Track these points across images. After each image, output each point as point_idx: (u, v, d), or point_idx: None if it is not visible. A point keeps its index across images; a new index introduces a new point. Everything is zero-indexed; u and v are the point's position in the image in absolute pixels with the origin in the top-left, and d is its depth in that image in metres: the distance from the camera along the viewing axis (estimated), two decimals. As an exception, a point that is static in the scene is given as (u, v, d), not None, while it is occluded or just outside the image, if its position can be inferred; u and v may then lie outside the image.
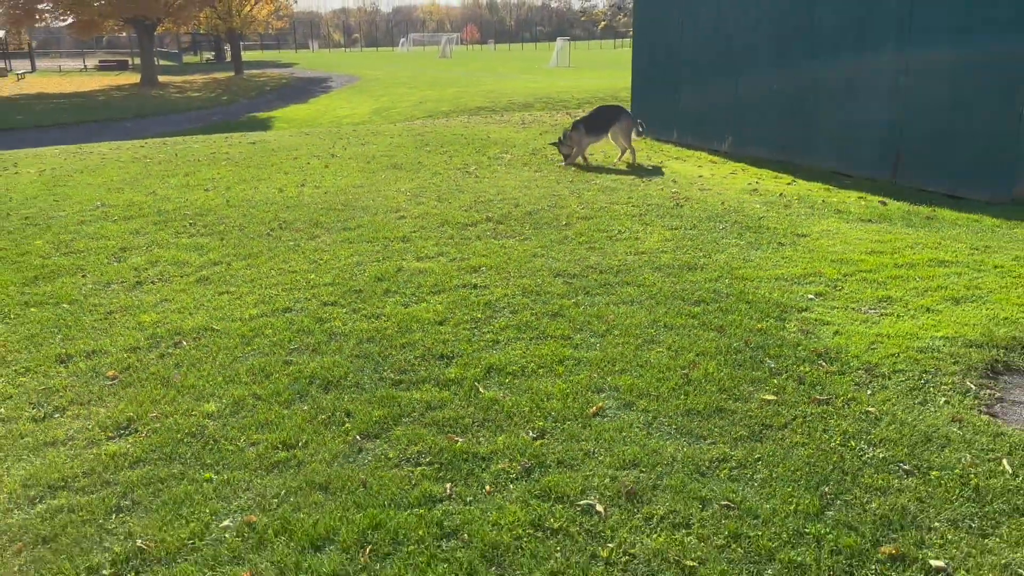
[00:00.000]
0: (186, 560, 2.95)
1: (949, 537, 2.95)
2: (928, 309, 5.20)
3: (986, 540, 2.93)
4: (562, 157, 11.29)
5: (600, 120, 11.57)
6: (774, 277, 5.93)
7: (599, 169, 10.87)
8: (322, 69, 48.40)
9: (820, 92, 10.87)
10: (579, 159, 11.43)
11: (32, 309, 5.76)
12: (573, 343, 4.80)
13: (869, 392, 4.07)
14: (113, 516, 3.25)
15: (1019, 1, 8.36)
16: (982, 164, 8.91)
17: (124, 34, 52.18)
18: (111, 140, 17.22)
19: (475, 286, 5.85)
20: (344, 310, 5.45)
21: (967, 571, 2.77)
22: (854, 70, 10.28)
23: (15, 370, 4.73)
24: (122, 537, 3.11)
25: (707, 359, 4.49)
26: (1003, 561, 2.81)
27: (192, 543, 3.05)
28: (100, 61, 57.79)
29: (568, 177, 10.15)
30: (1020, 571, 2.76)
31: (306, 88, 37.01)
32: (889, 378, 4.22)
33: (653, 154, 12.19)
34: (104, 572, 2.92)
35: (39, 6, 37.11)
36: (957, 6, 8.92)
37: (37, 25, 42.92)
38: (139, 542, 3.06)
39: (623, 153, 11.62)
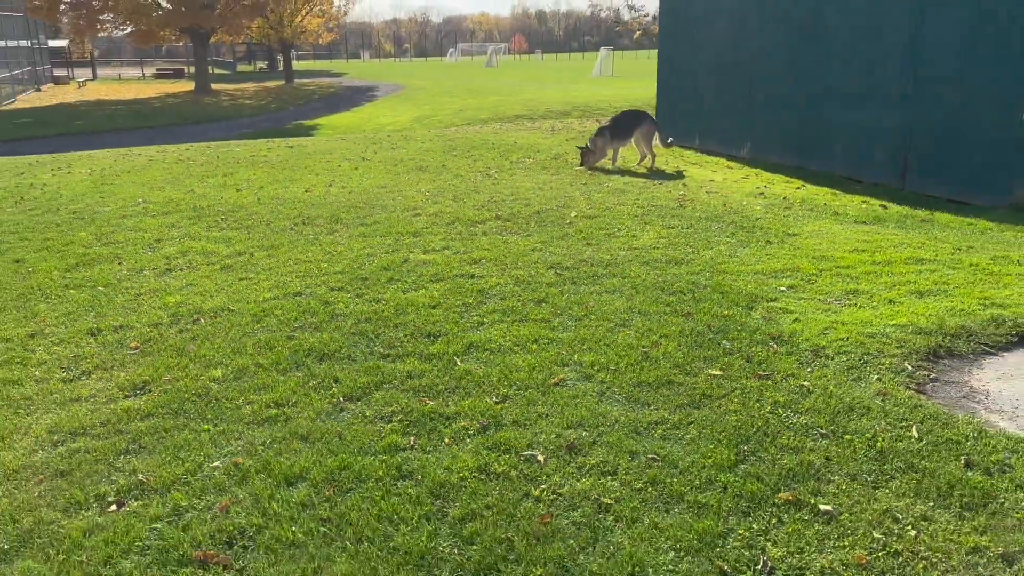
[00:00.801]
0: (178, 491, 3.44)
1: (843, 488, 3.32)
2: (891, 301, 5.53)
3: (876, 491, 3.29)
4: (580, 160, 11.70)
5: (624, 125, 11.99)
6: (753, 271, 6.29)
7: (617, 173, 11.27)
8: (369, 78, 49.44)
9: (833, 100, 11.15)
10: (606, 162, 11.85)
11: (71, 291, 6.35)
12: (551, 326, 5.22)
13: (809, 370, 4.43)
14: (121, 457, 3.76)
15: (1020, 16, 8.59)
16: (983, 170, 9.15)
17: (181, 43, 53.73)
18: (161, 144, 18.03)
19: (472, 276, 6.31)
20: (348, 295, 5.94)
21: (850, 514, 3.14)
22: (865, 79, 10.55)
23: (51, 341, 5.30)
24: (127, 473, 3.61)
25: (669, 340, 4.88)
26: (885, 507, 3.17)
27: (185, 478, 3.54)
28: (157, 69, 59.63)
29: (583, 180, 10.57)
30: (898, 515, 3.12)
31: (352, 97, 37.91)
32: (832, 358, 4.57)
33: (673, 160, 12.55)
34: (109, 499, 3.42)
35: (101, 16, 38.54)
36: (963, 19, 9.17)
37: (99, 35, 44.55)
38: (140, 476, 3.56)
39: (643, 158, 12.00)
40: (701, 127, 14.01)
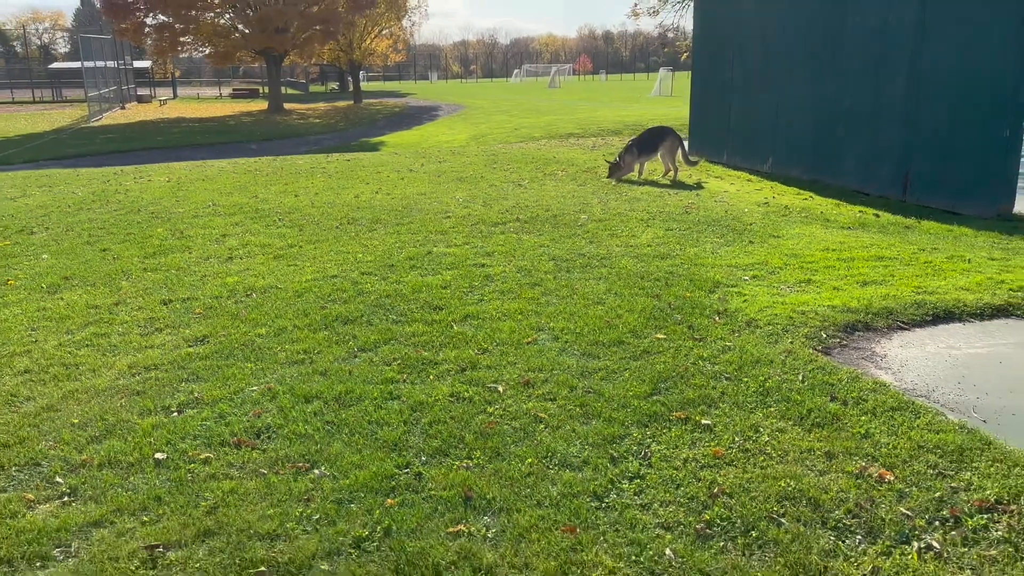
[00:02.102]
0: (223, 403, 4.55)
1: (726, 411, 4.26)
2: (836, 288, 6.41)
3: (751, 414, 4.23)
4: (609, 173, 12.70)
5: (650, 141, 12.99)
6: (726, 265, 7.22)
7: (640, 184, 12.22)
8: (433, 98, 51.09)
9: (846, 119, 11.95)
10: (633, 176, 12.85)
11: (148, 273, 7.59)
12: (538, 303, 6.24)
13: (737, 335, 5.37)
14: (182, 383, 4.89)
15: (1007, 34, 9.34)
16: (972, 184, 9.88)
17: (257, 65, 56.22)
18: (233, 158, 19.54)
19: (483, 265, 7.36)
20: (375, 278, 7.04)
21: (724, 427, 4.09)
22: (873, 99, 11.35)
23: (131, 307, 6.51)
24: (186, 393, 4.74)
25: (631, 314, 5.86)
26: (752, 423, 4.11)
27: (229, 396, 4.65)
28: (234, 89, 62.33)
29: (605, 190, 11.56)
30: (760, 428, 4.05)
31: (416, 116, 39.45)
32: (761, 327, 5.50)
33: (698, 173, 13.44)
34: (172, 408, 4.54)
35: (182, 38, 40.88)
36: (955, 45, 9.94)
37: (180, 55, 47.13)
38: (196, 395, 4.68)
39: (667, 171, 12.94)
40: (729, 143, 14.89)
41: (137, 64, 57.21)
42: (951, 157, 10.17)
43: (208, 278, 7.32)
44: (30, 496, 3.65)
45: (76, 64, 50.35)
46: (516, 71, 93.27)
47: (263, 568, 3.07)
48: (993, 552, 3.03)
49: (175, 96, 58.28)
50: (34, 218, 10.46)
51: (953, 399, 4.46)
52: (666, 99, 44.81)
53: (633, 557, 3.08)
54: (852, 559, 3.03)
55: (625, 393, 4.50)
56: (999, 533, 3.15)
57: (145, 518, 3.45)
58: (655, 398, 4.44)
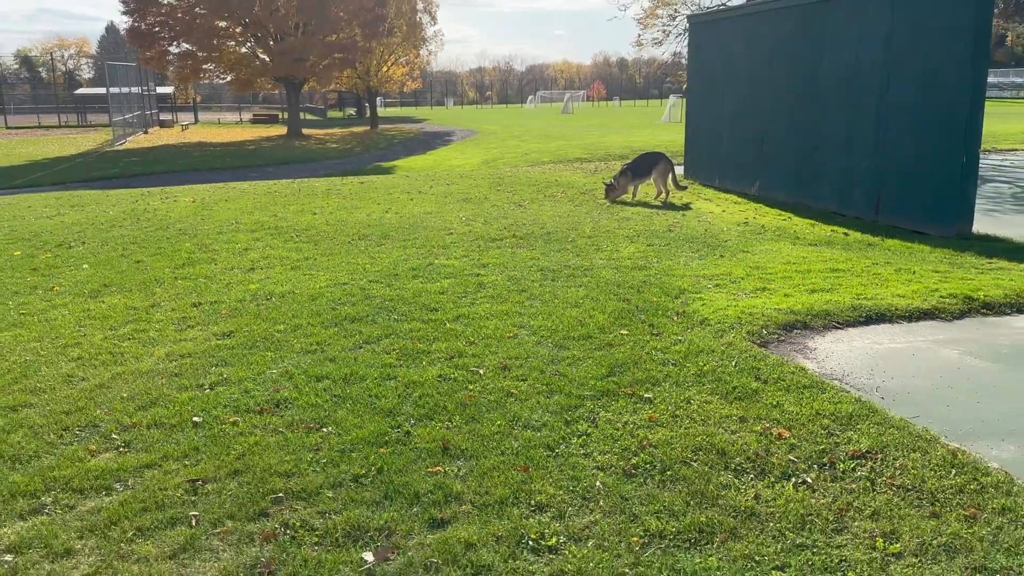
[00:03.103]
0: (248, 382, 5.42)
1: (667, 389, 5.09)
2: (786, 295, 7.23)
3: (687, 391, 5.05)
4: (605, 194, 13.59)
5: (643, 165, 13.91)
6: (695, 275, 8.06)
7: (634, 205, 13.10)
8: (447, 124, 52.28)
9: (825, 146, 12.81)
10: (627, 197, 13.75)
11: (179, 281, 8.50)
12: (523, 306, 7.10)
13: (690, 331, 6.20)
14: (213, 368, 5.77)
15: (961, 73, 10.19)
16: (935, 204, 10.69)
17: (276, 91, 57.69)
18: (253, 180, 20.58)
19: (477, 275, 8.24)
20: (381, 285, 7.92)
21: (662, 400, 4.91)
22: (848, 129, 12.21)
23: (166, 309, 7.41)
24: (216, 375, 5.61)
25: (603, 314, 6.70)
26: (686, 397, 4.93)
27: (253, 377, 5.52)
28: (254, 115, 63.86)
29: (599, 210, 12.44)
30: (691, 401, 4.88)
31: (429, 141, 40.56)
32: (711, 325, 6.33)
33: (690, 196, 14.29)
34: (204, 386, 5.41)
35: (205, 66, 42.28)
36: (917, 81, 10.81)
37: (202, 82, 48.59)
38: (224, 375, 5.56)
39: (659, 193, 13.82)
40: (720, 168, 15.76)
41: (160, 90, 58.78)
42: (916, 181, 11.00)
43: (232, 285, 8.22)
44: (92, 448, 4.53)
45: (101, 90, 51.94)
46: (531, 97, 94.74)
47: (280, 494, 3.93)
48: (853, 486, 3.85)
49: (196, 121, 59.81)
50: (71, 234, 11.42)
51: (863, 382, 5.28)
52: (675, 125, 45.72)
53: (571, 487, 3.91)
54: (741, 490, 3.85)
55: (585, 375, 5.34)
56: (862, 473, 3.96)
57: (187, 463, 4.31)
58: (610, 379, 5.28)
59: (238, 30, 40.67)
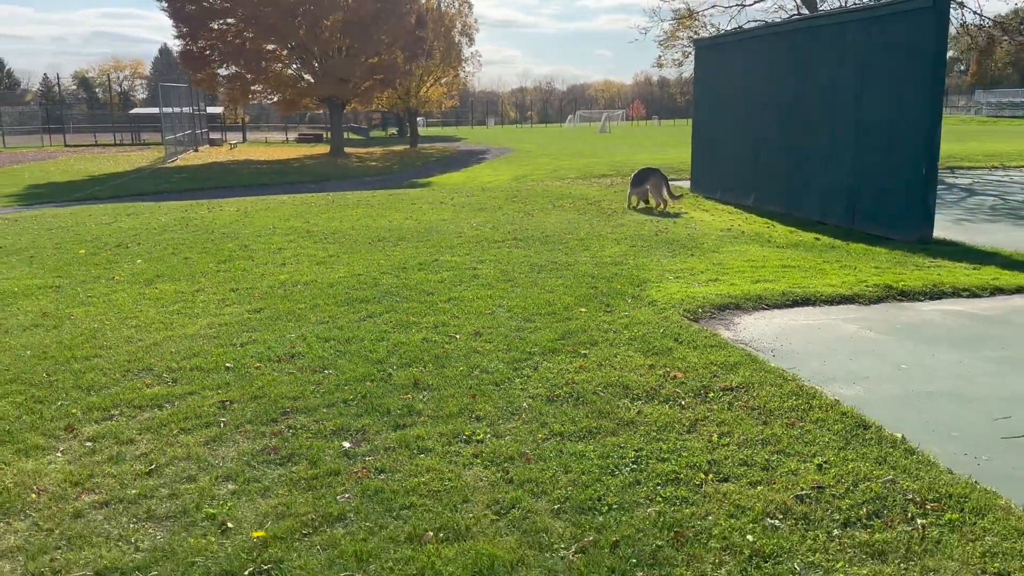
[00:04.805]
0: (271, 343, 6.77)
1: (602, 348, 6.33)
2: (732, 284, 8.42)
3: (616, 349, 6.28)
4: (615, 204, 14.85)
5: (640, 179, 15.22)
6: (661, 269, 9.27)
7: (633, 213, 14.33)
8: (484, 143, 53.88)
9: (810, 161, 13.95)
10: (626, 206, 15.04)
11: (220, 272, 9.92)
12: (505, 292, 8.38)
13: (637, 310, 7.43)
14: (244, 332, 7.14)
15: (918, 96, 11.30)
16: (901, 212, 11.78)
17: (321, 111, 59.84)
18: (292, 195, 22.17)
19: (473, 268, 9.54)
20: (390, 276, 9.27)
21: (595, 356, 6.15)
22: (829, 145, 13.35)
23: (208, 293, 8.82)
24: (247, 337, 6.97)
25: (570, 298, 7.96)
26: (614, 353, 6.17)
27: (275, 338, 6.87)
28: (300, 134, 66.16)
29: (599, 218, 13.70)
30: (616, 356, 6.11)
31: (464, 159, 42.11)
32: (656, 305, 7.55)
33: (689, 207, 15.48)
34: (237, 344, 6.78)
35: (253, 87, 44.38)
36: (885, 101, 11.94)
37: (251, 102, 50.82)
38: (254, 337, 6.92)
39: (657, 204, 15.06)
40: (722, 181, 16.94)
41: (210, 110, 61.28)
42: (886, 192, 12.10)
43: (265, 276, 9.62)
44: (148, 382, 5.90)
45: (154, 109, 54.50)
46: (570, 116, 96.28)
47: (288, 410, 5.25)
48: (714, 407, 5.06)
49: (244, 140, 62.21)
50: (127, 237, 12.96)
51: (765, 346, 6.47)
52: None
53: (504, 407, 5.18)
54: (630, 409, 5.08)
55: (540, 339, 6.61)
56: (725, 400, 5.18)
57: (219, 391, 5.66)
58: (559, 342, 6.54)
59: (284, 52, 42.67)
